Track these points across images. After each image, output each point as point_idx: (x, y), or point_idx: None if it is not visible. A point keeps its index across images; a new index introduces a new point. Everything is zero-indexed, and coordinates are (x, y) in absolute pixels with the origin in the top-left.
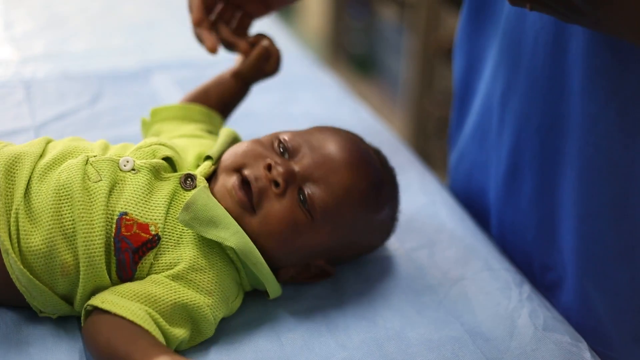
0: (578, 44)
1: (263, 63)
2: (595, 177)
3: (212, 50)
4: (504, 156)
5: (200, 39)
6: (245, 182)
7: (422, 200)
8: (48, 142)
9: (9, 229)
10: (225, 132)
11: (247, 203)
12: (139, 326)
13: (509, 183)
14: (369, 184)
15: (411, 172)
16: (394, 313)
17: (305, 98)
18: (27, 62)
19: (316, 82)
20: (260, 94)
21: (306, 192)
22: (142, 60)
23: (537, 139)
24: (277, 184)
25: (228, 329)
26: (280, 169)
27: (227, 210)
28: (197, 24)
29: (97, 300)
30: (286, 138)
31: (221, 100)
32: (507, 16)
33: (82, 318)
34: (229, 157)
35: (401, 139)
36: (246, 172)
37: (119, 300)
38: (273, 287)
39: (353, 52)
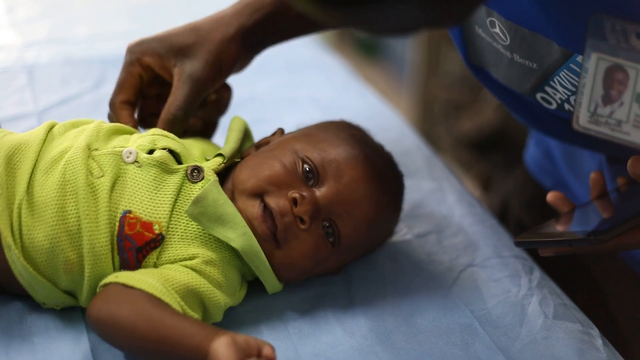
0: None
1: (214, 115)
2: None
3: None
4: None
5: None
6: (266, 210)
7: (430, 185)
8: (52, 126)
9: (11, 223)
10: (236, 125)
11: (270, 237)
12: (162, 301)
13: None
14: (388, 210)
15: (418, 157)
16: (402, 299)
17: (311, 82)
18: (30, 46)
19: (322, 65)
20: (264, 77)
21: (332, 226)
22: None
23: None
24: (302, 221)
25: (234, 316)
26: (306, 204)
27: None
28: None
29: (111, 277)
30: (310, 159)
31: None
32: None
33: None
34: (248, 177)
35: (407, 122)
36: (270, 202)
37: (135, 275)
38: (273, 286)
39: (358, 35)
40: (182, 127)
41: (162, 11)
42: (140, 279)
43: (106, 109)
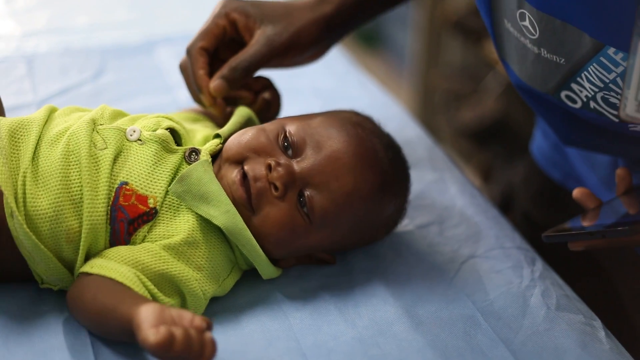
0: None
1: (262, 112)
2: None
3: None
4: None
5: (200, 95)
6: (246, 177)
7: (431, 176)
8: (52, 110)
9: (16, 191)
10: (240, 111)
11: (246, 201)
12: (127, 286)
13: None
14: (371, 188)
15: (420, 147)
16: (404, 290)
17: (312, 72)
18: (29, 36)
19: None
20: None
21: (306, 197)
22: (145, 33)
23: None
24: (276, 188)
25: (235, 308)
26: (280, 171)
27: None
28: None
29: (86, 267)
30: (292, 131)
31: None
32: None
33: None
34: (232, 145)
35: (408, 113)
36: (247, 167)
37: (107, 263)
38: (265, 269)
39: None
40: (239, 80)
41: (161, 1)
42: (114, 268)
43: (105, 99)
